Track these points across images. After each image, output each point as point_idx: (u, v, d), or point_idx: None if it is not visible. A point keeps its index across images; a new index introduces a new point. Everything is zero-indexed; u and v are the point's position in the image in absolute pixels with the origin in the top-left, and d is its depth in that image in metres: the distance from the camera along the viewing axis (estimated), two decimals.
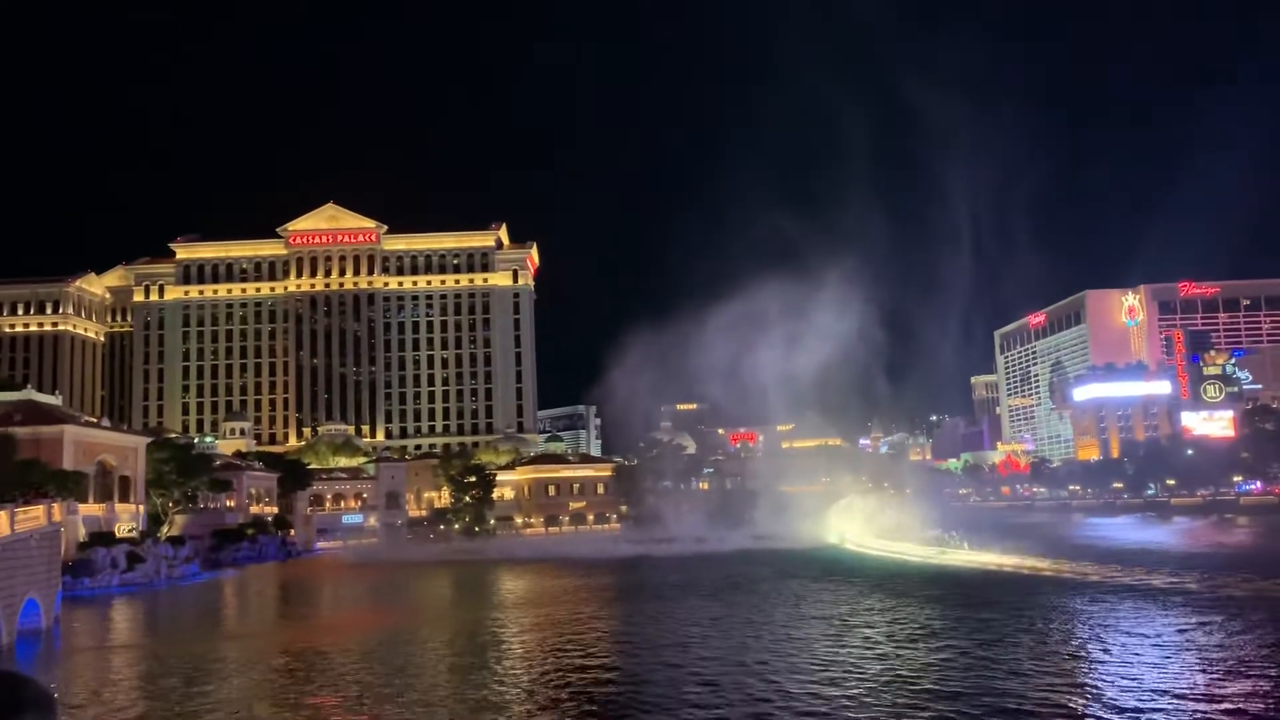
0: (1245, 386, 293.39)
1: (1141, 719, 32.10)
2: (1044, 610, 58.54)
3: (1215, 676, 38.05)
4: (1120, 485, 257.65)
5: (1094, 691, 36.32)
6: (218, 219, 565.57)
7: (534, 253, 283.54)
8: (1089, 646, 46.26)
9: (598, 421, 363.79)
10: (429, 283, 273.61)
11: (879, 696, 35.84)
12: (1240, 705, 33.49)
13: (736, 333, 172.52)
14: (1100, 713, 33.05)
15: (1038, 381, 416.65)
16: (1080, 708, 33.72)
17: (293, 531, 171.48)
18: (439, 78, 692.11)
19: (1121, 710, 33.12)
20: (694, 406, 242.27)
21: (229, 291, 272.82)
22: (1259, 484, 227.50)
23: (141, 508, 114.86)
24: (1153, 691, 35.47)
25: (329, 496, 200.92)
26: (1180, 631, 49.44)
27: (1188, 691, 35.68)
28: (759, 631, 53.39)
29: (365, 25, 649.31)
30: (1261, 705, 33.55)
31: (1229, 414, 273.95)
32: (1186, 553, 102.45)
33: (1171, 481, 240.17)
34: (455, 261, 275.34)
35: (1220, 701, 34.04)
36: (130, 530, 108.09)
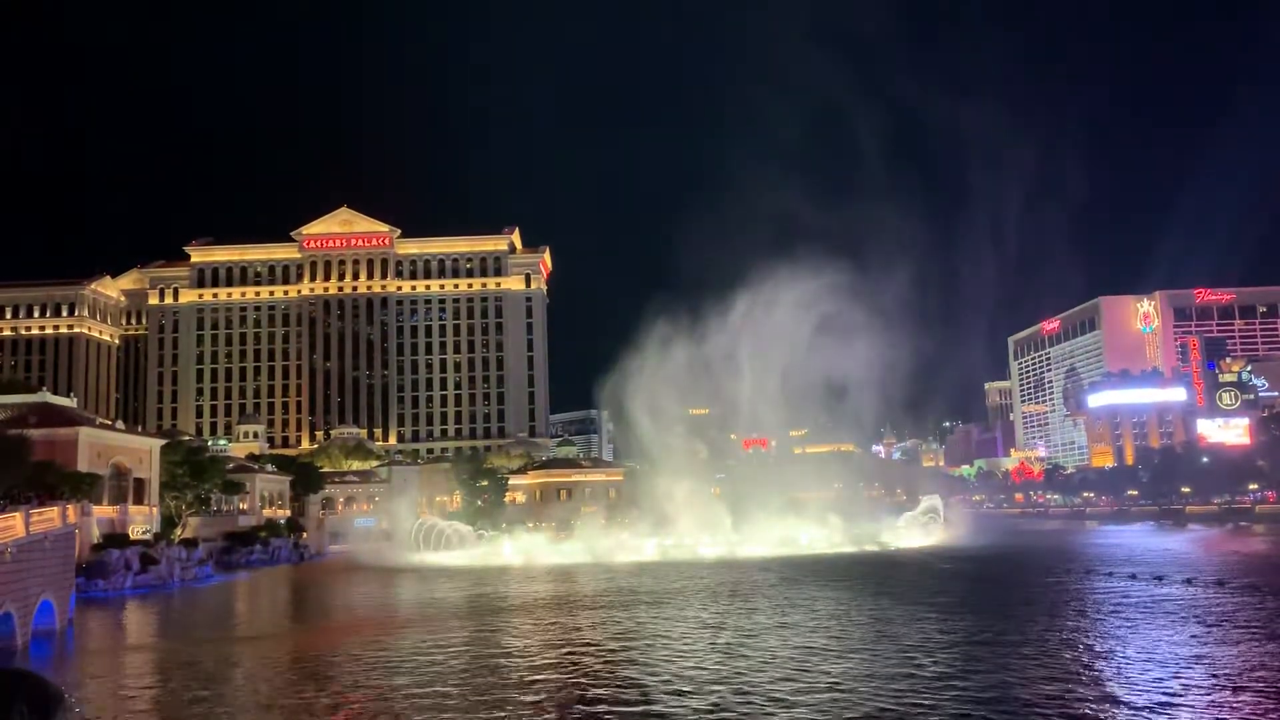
0: (1261, 394, 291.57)
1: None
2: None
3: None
4: (1135, 493, 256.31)
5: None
6: (232, 222, 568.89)
7: (547, 257, 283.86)
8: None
9: (610, 426, 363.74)
10: (442, 286, 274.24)
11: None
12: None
13: (749, 337, 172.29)
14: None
15: (1052, 388, 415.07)
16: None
17: (305, 534, 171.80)
18: (452, 82, 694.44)
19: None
20: (706, 411, 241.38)
21: (243, 295, 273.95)
22: (1272, 493, 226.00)
23: (155, 510, 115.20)
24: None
25: (341, 500, 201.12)
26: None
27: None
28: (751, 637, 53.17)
29: (381, 29, 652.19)
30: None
31: (1245, 421, 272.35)
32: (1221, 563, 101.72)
33: (1186, 489, 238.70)
34: (468, 265, 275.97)
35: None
36: (144, 532, 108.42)
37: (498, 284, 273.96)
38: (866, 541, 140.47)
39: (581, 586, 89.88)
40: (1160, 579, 79.43)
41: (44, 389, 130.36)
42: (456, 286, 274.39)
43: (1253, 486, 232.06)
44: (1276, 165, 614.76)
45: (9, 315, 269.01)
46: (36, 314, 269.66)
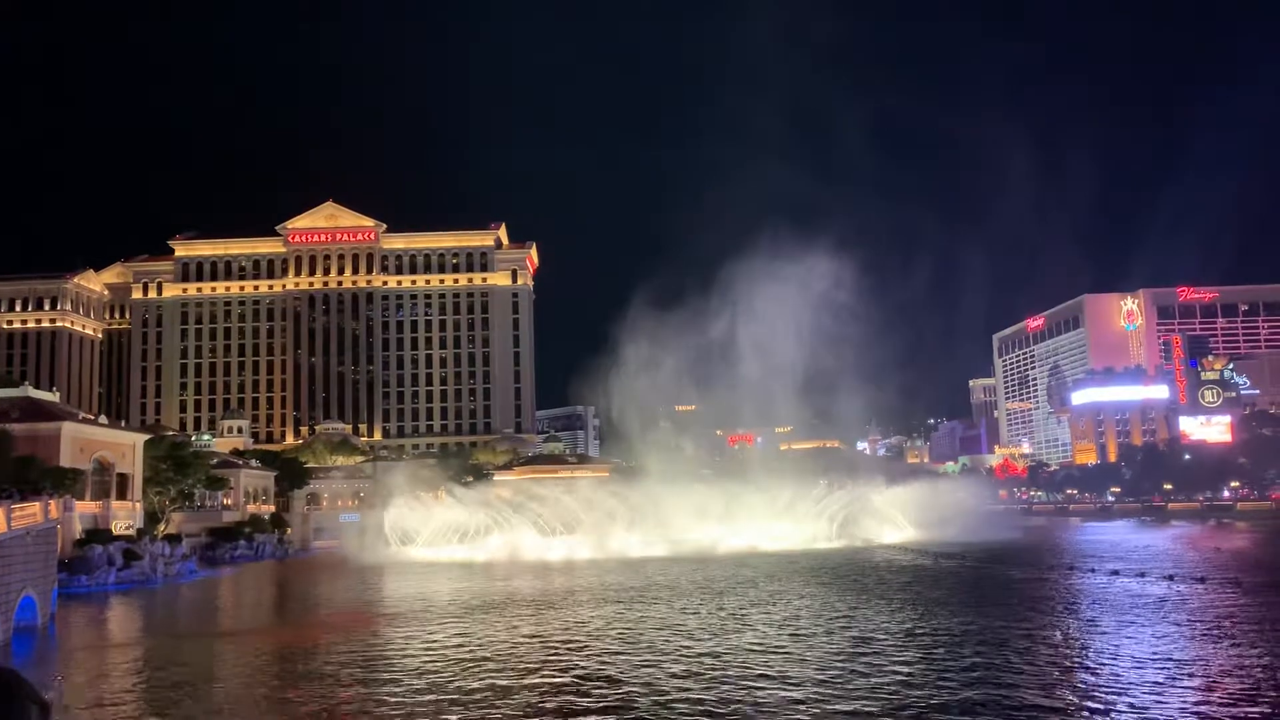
0: (1243, 392, 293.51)
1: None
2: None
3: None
4: (1118, 489, 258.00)
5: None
6: (217, 217, 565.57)
7: (533, 253, 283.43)
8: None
9: (596, 422, 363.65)
10: (428, 282, 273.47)
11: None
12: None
13: (735, 334, 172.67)
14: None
15: (1036, 385, 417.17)
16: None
17: (290, 530, 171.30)
18: (438, 77, 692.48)
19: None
20: (692, 408, 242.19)
21: (227, 289, 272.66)
22: (1244, 490, 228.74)
23: (138, 505, 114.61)
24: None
25: (326, 495, 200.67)
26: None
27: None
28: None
29: (366, 24, 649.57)
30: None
31: (1226, 419, 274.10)
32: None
33: (1169, 486, 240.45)
34: (454, 261, 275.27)
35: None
36: (127, 528, 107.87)
37: (484, 279, 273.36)
38: (854, 538, 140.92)
39: (561, 583, 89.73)
40: (1143, 575, 79.98)
41: (26, 383, 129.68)
42: (442, 282, 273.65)
43: (1234, 484, 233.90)
44: (1258, 165, 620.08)
45: None
46: (18, 308, 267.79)
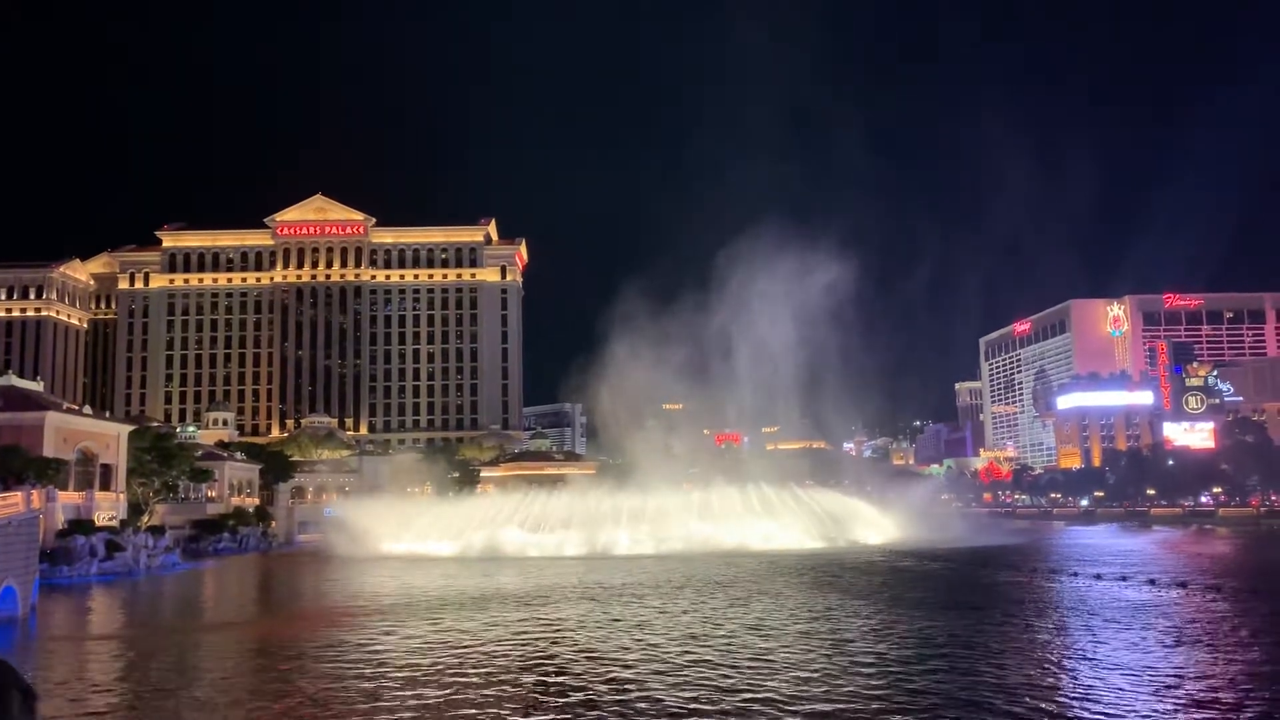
0: (1226, 398, 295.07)
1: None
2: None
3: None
4: (1101, 494, 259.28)
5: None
6: (205, 208, 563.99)
7: (523, 249, 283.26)
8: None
9: (583, 420, 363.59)
10: (416, 277, 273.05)
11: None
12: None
13: (725, 333, 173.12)
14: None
15: (1021, 389, 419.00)
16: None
17: (274, 523, 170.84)
18: (433, 73, 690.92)
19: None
20: (680, 406, 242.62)
21: (214, 281, 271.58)
22: (1225, 496, 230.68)
23: (122, 496, 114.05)
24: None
25: (311, 489, 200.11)
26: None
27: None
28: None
29: (363, 19, 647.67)
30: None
31: (1210, 425, 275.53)
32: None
33: (1151, 491, 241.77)
34: (443, 256, 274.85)
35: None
36: (110, 519, 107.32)
37: (473, 275, 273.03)
38: (838, 538, 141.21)
39: (542, 580, 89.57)
40: (1124, 579, 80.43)
41: (10, 372, 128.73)
42: (431, 277, 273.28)
43: (1216, 490, 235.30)
44: (1245, 172, 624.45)
45: None
46: (3, 296, 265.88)
